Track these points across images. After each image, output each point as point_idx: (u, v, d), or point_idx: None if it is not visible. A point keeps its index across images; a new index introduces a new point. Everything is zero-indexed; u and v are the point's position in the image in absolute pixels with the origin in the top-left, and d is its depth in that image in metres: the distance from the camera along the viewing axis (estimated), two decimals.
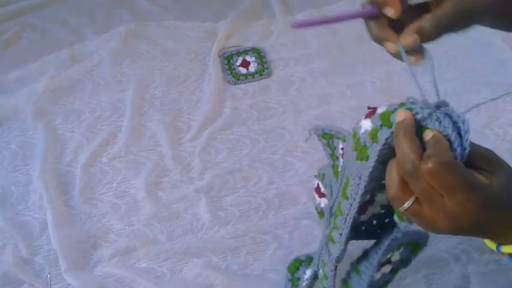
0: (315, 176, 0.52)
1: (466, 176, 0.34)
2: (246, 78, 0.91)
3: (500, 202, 0.36)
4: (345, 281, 0.51)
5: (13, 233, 0.69)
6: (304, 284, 0.56)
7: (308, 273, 0.56)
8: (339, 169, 0.44)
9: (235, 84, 0.90)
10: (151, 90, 0.89)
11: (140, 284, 0.64)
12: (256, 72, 0.92)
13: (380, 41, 0.42)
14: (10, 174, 0.77)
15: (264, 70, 0.92)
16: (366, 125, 0.38)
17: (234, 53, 0.95)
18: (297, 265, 0.59)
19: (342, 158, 0.43)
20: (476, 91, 0.86)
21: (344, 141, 0.44)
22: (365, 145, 0.38)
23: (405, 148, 0.35)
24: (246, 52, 0.95)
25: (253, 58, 0.94)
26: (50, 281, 0.65)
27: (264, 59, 0.94)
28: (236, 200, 0.73)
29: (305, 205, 0.72)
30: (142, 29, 1.01)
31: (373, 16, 0.41)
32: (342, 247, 0.44)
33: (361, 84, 0.90)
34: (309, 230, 0.69)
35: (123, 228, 0.70)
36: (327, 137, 0.47)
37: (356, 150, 0.39)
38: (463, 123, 0.36)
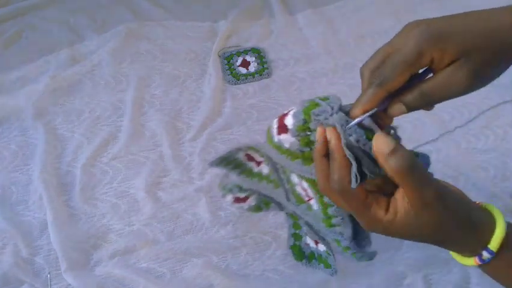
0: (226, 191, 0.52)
1: (358, 206, 0.37)
2: (246, 78, 0.91)
3: (405, 235, 0.37)
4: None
5: (13, 233, 0.69)
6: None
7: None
8: (271, 177, 0.47)
9: (235, 84, 0.90)
10: (151, 90, 0.89)
11: (140, 284, 0.64)
12: (256, 72, 0.92)
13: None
14: (10, 174, 0.77)
15: (264, 70, 0.92)
16: (288, 138, 0.40)
17: (234, 53, 0.95)
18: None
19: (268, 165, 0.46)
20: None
21: (263, 156, 0.46)
22: (302, 151, 0.40)
23: (316, 171, 0.38)
24: (246, 52, 0.95)
25: (253, 58, 0.94)
26: (50, 281, 0.65)
27: (264, 59, 0.94)
28: None
29: None
30: (142, 29, 1.01)
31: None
32: (350, 225, 0.45)
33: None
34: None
35: (123, 228, 0.70)
36: (227, 162, 0.48)
37: (296, 158, 0.41)
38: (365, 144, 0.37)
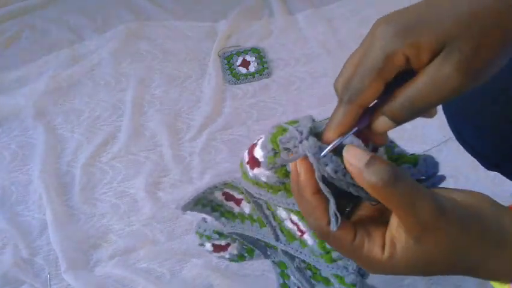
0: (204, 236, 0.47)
1: (347, 250, 0.30)
2: (246, 78, 0.91)
3: (416, 272, 0.29)
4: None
5: (13, 233, 0.69)
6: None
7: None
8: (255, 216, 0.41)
9: (235, 84, 0.90)
10: (151, 90, 0.89)
11: (139, 284, 0.64)
12: (256, 72, 0.92)
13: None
14: (10, 174, 0.77)
15: (264, 70, 0.92)
16: (263, 172, 0.34)
17: (234, 52, 0.95)
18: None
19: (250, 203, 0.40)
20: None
21: (243, 192, 0.40)
22: (283, 182, 0.34)
23: (307, 213, 0.30)
24: (246, 52, 0.95)
25: (253, 58, 0.94)
26: (50, 281, 0.65)
27: (264, 59, 0.94)
28: None
29: None
30: (142, 29, 1.00)
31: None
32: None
33: None
34: None
35: (123, 229, 0.70)
36: (203, 204, 0.43)
37: (278, 191, 0.35)
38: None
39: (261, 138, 0.34)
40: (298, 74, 0.92)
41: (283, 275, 0.48)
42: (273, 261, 0.48)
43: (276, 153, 0.32)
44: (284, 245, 0.42)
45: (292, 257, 0.44)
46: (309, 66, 0.93)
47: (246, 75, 0.91)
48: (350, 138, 0.30)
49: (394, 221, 0.29)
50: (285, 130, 0.32)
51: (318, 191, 0.30)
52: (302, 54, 0.96)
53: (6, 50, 0.97)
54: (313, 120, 0.33)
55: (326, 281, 0.44)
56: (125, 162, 0.78)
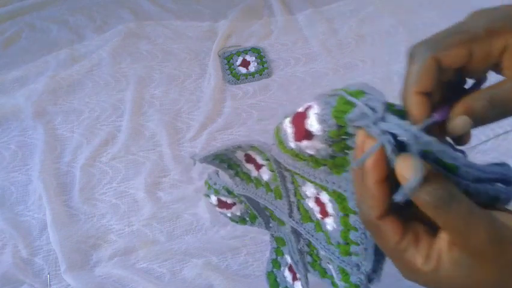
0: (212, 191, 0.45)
1: (389, 248, 0.28)
2: (246, 78, 0.91)
3: None
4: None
5: (13, 233, 0.69)
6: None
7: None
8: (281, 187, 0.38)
9: (235, 84, 0.90)
10: (150, 90, 0.89)
11: (140, 284, 0.64)
12: (256, 72, 0.91)
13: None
14: (10, 174, 0.77)
15: (264, 70, 0.92)
16: (314, 145, 0.30)
17: (234, 52, 0.95)
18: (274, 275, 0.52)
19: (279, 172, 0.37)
20: None
21: (268, 159, 0.37)
22: (334, 157, 0.31)
23: (362, 195, 0.28)
24: (246, 52, 0.95)
25: (253, 58, 0.94)
26: (49, 281, 0.65)
27: (264, 59, 0.94)
28: None
29: None
30: (142, 29, 1.00)
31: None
32: (373, 257, 0.35)
33: None
34: None
35: (123, 229, 0.70)
36: (221, 160, 0.40)
37: (322, 165, 0.32)
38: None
39: (310, 107, 0.30)
40: (298, 74, 0.92)
41: (277, 251, 0.47)
42: (271, 234, 0.46)
43: (340, 128, 0.28)
44: (296, 223, 0.39)
45: (298, 238, 0.42)
46: (309, 66, 0.93)
47: (246, 75, 0.91)
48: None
49: (445, 236, 0.26)
50: (348, 104, 0.27)
51: (383, 180, 0.26)
52: (302, 54, 0.96)
53: (6, 50, 0.97)
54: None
55: (323, 272, 0.42)
56: (125, 162, 0.78)
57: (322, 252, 0.40)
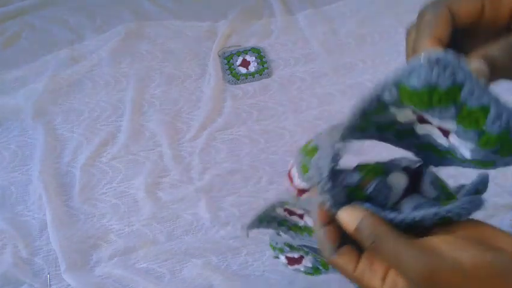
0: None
1: (350, 278, 0.30)
2: (246, 78, 0.91)
3: None
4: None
5: (13, 233, 0.69)
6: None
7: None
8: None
9: (235, 84, 0.90)
10: (150, 90, 0.89)
11: (139, 284, 0.64)
12: (256, 72, 0.91)
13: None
14: (9, 174, 0.77)
15: (264, 70, 0.92)
16: (312, 193, 0.32)
17: (234, 52, 0.95)
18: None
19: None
20: None
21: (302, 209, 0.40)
22: None
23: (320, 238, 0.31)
24: (246, 52, 0.95)
25: (253, 58, 0.94)
26: (49, 281, 0.65)
27: (264, 59, 0.94)
28: (236, 200, 0.73)
29: None
30: (142, 29, 1.00)
31: None
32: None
33: (361, 84, 0.89)
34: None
35: (123, 229, 0.70)
36: (268, 220, 0.42)
37: None
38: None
39: (292, 167, 0.33)
40: (299, 74, 0.92)
41: None
42: None
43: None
44: None
45: None
46: (309, 66, 0.93)
47: (246, 75, 0.91)
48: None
49: None
50: (306, 166, 0.32)
51: (328, 223, 0.30)
52: (302, 54, 0.96)
53: (6, 50, 0.97)
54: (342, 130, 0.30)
55: None
56: (125, 162, 0.78)
57: None
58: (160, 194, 0.74)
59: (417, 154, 0.33)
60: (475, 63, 0.26)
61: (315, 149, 0.31)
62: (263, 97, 0.88)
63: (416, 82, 0.24)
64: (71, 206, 0.73)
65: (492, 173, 0.73)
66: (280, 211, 0.41)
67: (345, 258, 0.30)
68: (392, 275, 0.28)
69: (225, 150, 0.80)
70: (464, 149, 0.27)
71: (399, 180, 0.31)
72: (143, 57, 0.95)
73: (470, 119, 0.25)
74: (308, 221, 0.41)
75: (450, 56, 0.24)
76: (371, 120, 0.29)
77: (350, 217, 0.29)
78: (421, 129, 0.29)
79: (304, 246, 0.44)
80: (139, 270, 0.66)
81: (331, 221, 0.30)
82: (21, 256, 0.67)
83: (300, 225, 0.42)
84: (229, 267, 0.66)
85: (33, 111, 0.84)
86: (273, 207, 0.40)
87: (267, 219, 0.42)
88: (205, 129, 0.82)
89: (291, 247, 0.45)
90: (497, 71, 0.26)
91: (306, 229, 0.42)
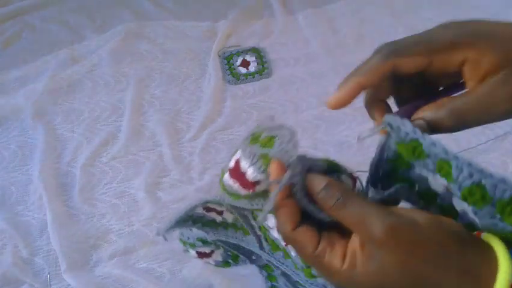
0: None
1: (308, 257, 0.30)
2: (246, 78, 0.91)
3: (359, 286, 0.29)
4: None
5: (13, 233, 0.69)
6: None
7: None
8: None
9: (235, 84, 0.90)
10: (150, 90, 0.89)
11: (140, 284, 0.64)
12: (256, 72, 0.92)
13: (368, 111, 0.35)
14: (10, 174, 0.77)
15: (264, 70, 0.92)
16: (264, 184, 0.33)
17: (234, 52, 0.95)
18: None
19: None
20: None
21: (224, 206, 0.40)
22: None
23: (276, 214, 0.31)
24: (246, 52, 0.95)
25: (253, 58, 0.94)
26: (49, 281, 0.65)
27: (264, 59, 0.94)
28: None
29: None
30: (142, 29, 1.00)
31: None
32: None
33: None
34: None
35: (123, 229, 0.70)
36: (183, 221, 0.42)
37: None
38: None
39: (238, 161, 0.33)
40: (298, 74, 0.92)
41: (270, 277, 0.48)
42: (258, 266, 0.48)
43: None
44: (268, 254, 0.42)
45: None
46: (309, 66, 0.93)
47: (246, 75, 0.91)
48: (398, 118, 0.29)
49: (356, 236, 0.29)
50: (267, 157, 0.31)
51: (287, 197, 0.31)
52: (302, 54, 0.96)
53: (6, 50, 0.97)
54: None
55: None
56: (125, 162, 0.78)
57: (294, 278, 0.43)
58: (160, 194, 0.74)
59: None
60: (417, 123, 0.30)
61: (271, 139, 0.32)
62: (263, 97, 0.88)
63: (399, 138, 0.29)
64: (71, 206, 0.73)
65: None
66: (199, 210, 0.42)
67: (305, 236, 0.30)
68: (350, 250, 0.29)
69: (225, 150, 0.80)
70: (467, 210, 0.29)
71: (348, 181, 0.34)
72: (143, 57, 0.95)
73: (444, 171, 0.27)
74: (227, 217, 0.42)
75: (396, 118, 0.28)
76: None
77: (318, 179, 0.30)
78: (458, 204, 0.30)
79: (219, 240, 0.45)
80: (139, 270, 0.66)
81: (289, 200, 0.31)
82: (22, 256, 0.67)
83: (217, 220, 0.43)
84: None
85: (33, 111, 0.84)
86: (193, 208, 0.40)
87: (182, 220, 0.42)
88: (205, 129, 0.82)
89: (204, 242, 0.46)
90: (438, 130, 0.29)
91: (223, 223, 0.43)
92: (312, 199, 0.30)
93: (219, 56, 0.94)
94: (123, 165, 0.77)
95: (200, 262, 0.66)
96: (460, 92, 0.30)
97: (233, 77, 0.91)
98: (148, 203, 0.72)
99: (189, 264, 0.66)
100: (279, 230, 0.31)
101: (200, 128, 0.82)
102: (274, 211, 0.31)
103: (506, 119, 0.29)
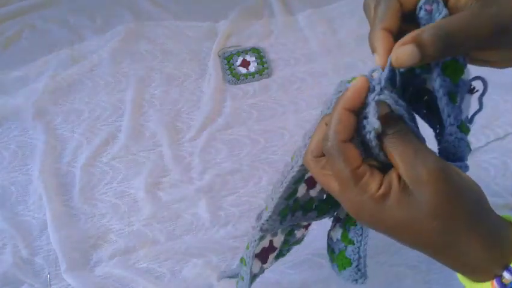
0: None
1: (345, 175, 0.30)
2: (246, 78, 0.91)
3: (399, 223, 0.29)
4: (340, 252, 0.47)
5: (13, 233, 0.69)
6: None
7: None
8: None
9: (235, 84, 0.90)
10: (151, 90, 0.89)
11: (140, 284, 0.64)
12: (256, 72, 0.92)
13: (372, 49, 0.34)
14: (10, 174, 0.77)
15: (264, 70, 0.92)
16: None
17: (234, 53, 0.95)
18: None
19: None
20: None
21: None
22: None
23: (330, 122, 0.31)
24: (246, 52, 0.95)
25: (253, 58, 0.94)
26: (49, 281, 0.65)
27: (264, 59, 0.94)
28: (236, 200, 0.73)
29: None
30: (142, 29, 1.00)
31: None
32: (270, 213, 0.40)
33: None
34: (309, 230, 0.69)
35: (123, 229, 0.70)
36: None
37: None
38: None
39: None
40: (299, 74, 0.92)
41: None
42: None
43: None
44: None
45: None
46: (309, 66, 0.93)
47: (246, 75, 0.91)
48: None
49: (396, 171, 0.29)
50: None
51: (352, 111, 0.30)
52: (302, 54, 0.96)
53: (6, 50, 0.97)
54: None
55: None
56: (125, 162, 0.78)
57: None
58: (160, 194, 0.74)
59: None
60: (406, 48, 0.29)
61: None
62: (263, 97, 0.88)
63: None
64: (71, 206, 0.73)
65: (492, 172, 0.73)
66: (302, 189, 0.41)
67: (352, 151, 0.30)
68: (387, 181, 0.29)
69: (225, 150, 0.80)
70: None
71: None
72: (143, 57, 0.95)
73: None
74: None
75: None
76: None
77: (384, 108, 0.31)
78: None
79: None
80: (139, 270, 0.66)
81: (355, 111, 0.31)
82: (22, 256, 0.67)
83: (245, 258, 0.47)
84: (229, 267, 0.66)
85: (34, 111, 0.84)
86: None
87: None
88: (205, 129, 0.82)
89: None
90: (428, 55, 0.29)
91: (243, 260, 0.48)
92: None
93: (219, 56, 0.94)
94: (123, 165, 0.77)
95: (200, 262, 0.66)
96: None
97: (233, 77, 0.91)
98: (148, 203, 0.72)
99: (189, 264, 0.66)
100: (327, 142, 0.30)
101: (200, 128, 0.82)
102: (332, 121, 0.31)
103: (495, 48, 0.30)
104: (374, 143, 0.30)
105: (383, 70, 0.32)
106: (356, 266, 0.41)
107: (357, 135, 0.31)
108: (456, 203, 0.28)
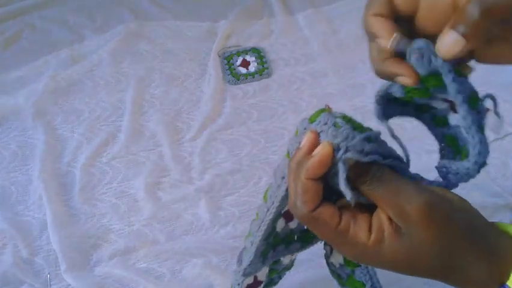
0: None
1: (330, 236, 0.29)
2: (246, 78, 0.91)
3: (401, 263, 0.29)
4: (349, 277, 0.46)
5: (13, 233, 0.69)
6: None
7: None
8: None
9: (235, 84, 0.90)
10: (151, 90, 0.89)
11: (140, 284, 0.64)
12: (256, 72, 0.92)
13: (370, 38, 0.33)
14: (10, 174, 0.77)
15: (264, 70, 0.92)
16: None
17: (234, 53, 0.95)
18: None
19: None
20: None
21: None
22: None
23: (296, 189, 0.29)
24: (246, 52, 0.95)
25: (253, 58, 0.94)
26: (49, 281, 0.65)
27: (264, 59, 0.94)
28: (236, 200, 0.73)
29: None
30: (142, 29, 1.00)
31: None
32: (252, 258, 0.39)
33: (361, 84, 0.90)
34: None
35: (123, 229, 0.70)
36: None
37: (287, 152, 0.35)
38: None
39: None
40: (299, 74, 0.92)
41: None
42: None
43: None
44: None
45: None
46: (309, 66, 0.93)
47: (246, 75, 0.91)
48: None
49: (384, 212, 0.29)
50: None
51: (315, 179, 0.29)
52: (302, 54, 0.96)
53: (6, 50, 0.97)
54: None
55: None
56: (125, 162, 0.78)
57: None
58: (160, 194, 0.74)
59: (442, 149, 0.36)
60: (448, 36, 0.27)
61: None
62: (263, 97, 0.88)
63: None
64: (71, 206, 0.73)
65: (492, 173, 0.73)
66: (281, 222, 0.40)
67: (327, 213, 0.29)
68: (376, 224, 0.28)
69: (225, 150, 0.80)
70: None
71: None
72: (143, 57, 0.95)
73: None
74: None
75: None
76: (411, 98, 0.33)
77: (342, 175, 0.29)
78: (453, 119, 0.33)
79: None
80: (139, 270, 0.66)
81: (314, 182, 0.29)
82: (22, 256, 0.67)
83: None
84: (229, 267, 0.66)
85: (34, 111, 0.84)
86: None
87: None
88: (205, 129, 0.82)
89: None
90: (473, 33, 0.27)
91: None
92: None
93: (219, 56, 0.94)
94: (123, 165, 0.77)
95: (200, 262, 0.66)
96: None
97: (233, 77, 0.91)
98: (148, 203, 0.72)
99: (189, 264, 0.66)
100: (296, 210, 0.29)
101: (200, 128, 0.82)
102: (294, 191, 0.29)
103: None
104: (349, 194, 0.28)
105: (393, 43, 0.31)
106: (371, 286, 0.40)
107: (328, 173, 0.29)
108: (449, 230, 0.28)
